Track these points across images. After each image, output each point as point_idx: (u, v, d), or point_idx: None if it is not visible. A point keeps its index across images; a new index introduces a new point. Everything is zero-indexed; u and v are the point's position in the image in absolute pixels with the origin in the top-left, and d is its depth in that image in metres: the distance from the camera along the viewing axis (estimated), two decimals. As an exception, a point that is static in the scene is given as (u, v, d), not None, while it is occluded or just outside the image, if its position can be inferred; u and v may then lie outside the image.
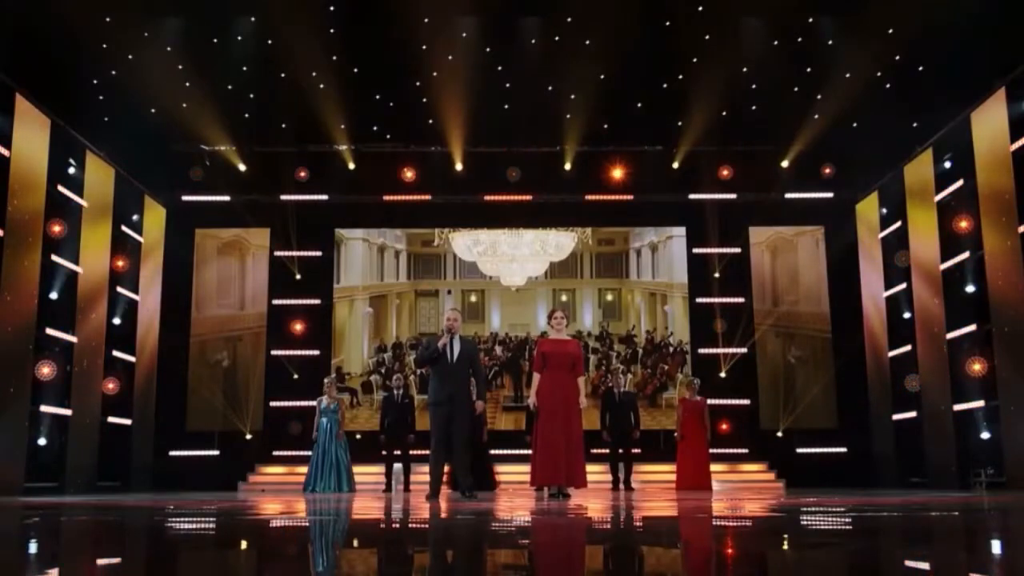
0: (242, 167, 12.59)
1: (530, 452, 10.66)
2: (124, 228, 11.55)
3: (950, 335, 10.17)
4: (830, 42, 10.49)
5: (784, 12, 9.97)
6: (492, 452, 10.66)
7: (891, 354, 11.73)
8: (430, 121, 11.76)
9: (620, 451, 10.72)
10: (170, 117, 11.12)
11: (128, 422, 11.47)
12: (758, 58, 10.56)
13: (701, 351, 12.73)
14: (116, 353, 11.19)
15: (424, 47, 10.49)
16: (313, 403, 11.98)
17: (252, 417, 12.26)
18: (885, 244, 11.97)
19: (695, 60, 10.79)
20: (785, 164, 12.48)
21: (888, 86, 10.80)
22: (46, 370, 9.37)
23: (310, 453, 10.35)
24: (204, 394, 12.26)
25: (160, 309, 12.35)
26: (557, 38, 10.61)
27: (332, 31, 10.32)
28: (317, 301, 12.71)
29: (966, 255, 9.90)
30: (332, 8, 9.99)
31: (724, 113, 11.66)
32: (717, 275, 12.77)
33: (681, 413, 10.74)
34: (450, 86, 10.96)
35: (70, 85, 10.31)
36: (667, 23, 10.31)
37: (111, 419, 11.03)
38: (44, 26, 9.23)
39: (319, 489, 10.03)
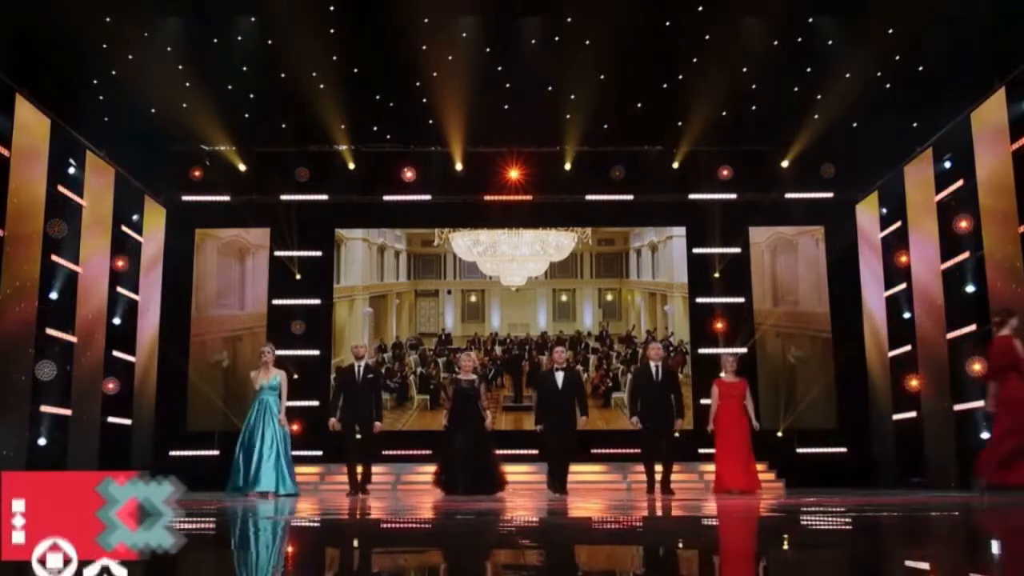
0: (242, 167, 12.58)
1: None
2: (124, 228, 11.54)
3: (950, 335, 10.16)
4: (830, 42, 10.47)
5: (784, 12, 9.96)
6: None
7: (891, 354, 11.72)
8: (430, 121, 11.74)
9: (659, 444, 9.07)
10: (170, 117, 11.10)
11: (128, 422, 11.48)
12: (758, 58, 10.54)
13: (701, 351, 12.72)
14: (116, 353, 11.18)
15: (424, 47, 10.48)
16: (313, 403, 11.97)
17: (252, 417, 12.23)
18: (885, 244, 11.97)
19: (695, 60, 10.78)
20: (785, 164, 12.47)
21: (888, 86, 10.79)
22: (46, 370, 9.37)
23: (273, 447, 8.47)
24: (204, 394, 12.25)
25: (160, 309, 12.35)
26: (557, 38, 10.59)
27: (332, 31, 10.31)
28: (317, 301, 12.70)
29: (966, 255, 9.89)
30: (332, 8, 9.98)
31: (724, 113, 11.64)
32: (717, 275, 12.76)
33: (716, 398, 9.11)
34: (450, 86, 10.94)
35: (70, 85, 10.30)
36: (667, 23, 10.30)
37: (111, 419, 11.03)
38: (44, 26, 9.22)
39: (250, 488, 8.10)
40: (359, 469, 9.37)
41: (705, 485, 11.01)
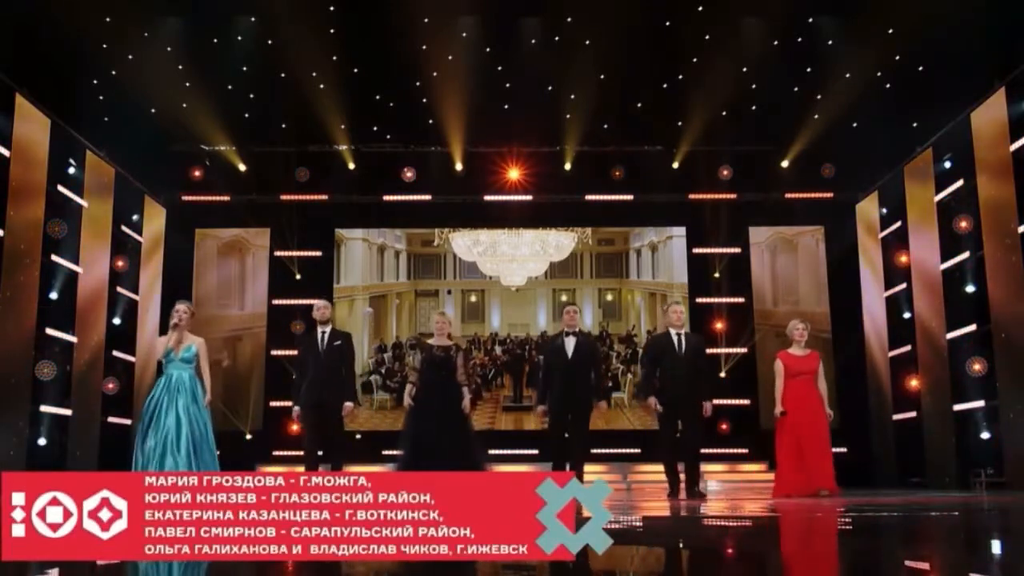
0: (242, 167, 12.59)
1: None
2: (124, 228, 11.55)
3: (950, 335, 10.16)
4: (830, 42, 10.48)
5: (784, 12, 9.97)
6: (491, 452, 10.53)
7: (891, 354, 11.73)
8: (430, 121, 11.76)
9: (685, 433, 6.98)
10: (170, 117, 11.10)
11: (128, 422, 11.47)
12: (758, 58, 10.55)
13: (701, 351, 12.70)
14: (116, 353, 11.19)
15: (424, 47, 10.49)
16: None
17: (252, 417, 12.25)
18: (885, 244, 11.97)
19: (695, 60, 10.79)
20: (785, 164, 12.48)
21: (888, 86, 10.79)
22: (46, 370, 9.37)
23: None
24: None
25: (160, 309, 12.34)
26: (557, 38, 10.60)
27: (332, 31, 10.32)
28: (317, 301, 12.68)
29: (966, 255, 9.89)
30: (332, 8, 9.99)
31: (724, 113, 11.65)
32: (717, 275, 12.76)
33: (782, 375, 7.21)
34: (450, 86, 10.95)
35: (70, 85, 10.30)
36: (667, 23, 10.30)
37: (111, 419, 11.04)
38: (44, 26, 9.22)
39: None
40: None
41: (705, 485, 10.97)
